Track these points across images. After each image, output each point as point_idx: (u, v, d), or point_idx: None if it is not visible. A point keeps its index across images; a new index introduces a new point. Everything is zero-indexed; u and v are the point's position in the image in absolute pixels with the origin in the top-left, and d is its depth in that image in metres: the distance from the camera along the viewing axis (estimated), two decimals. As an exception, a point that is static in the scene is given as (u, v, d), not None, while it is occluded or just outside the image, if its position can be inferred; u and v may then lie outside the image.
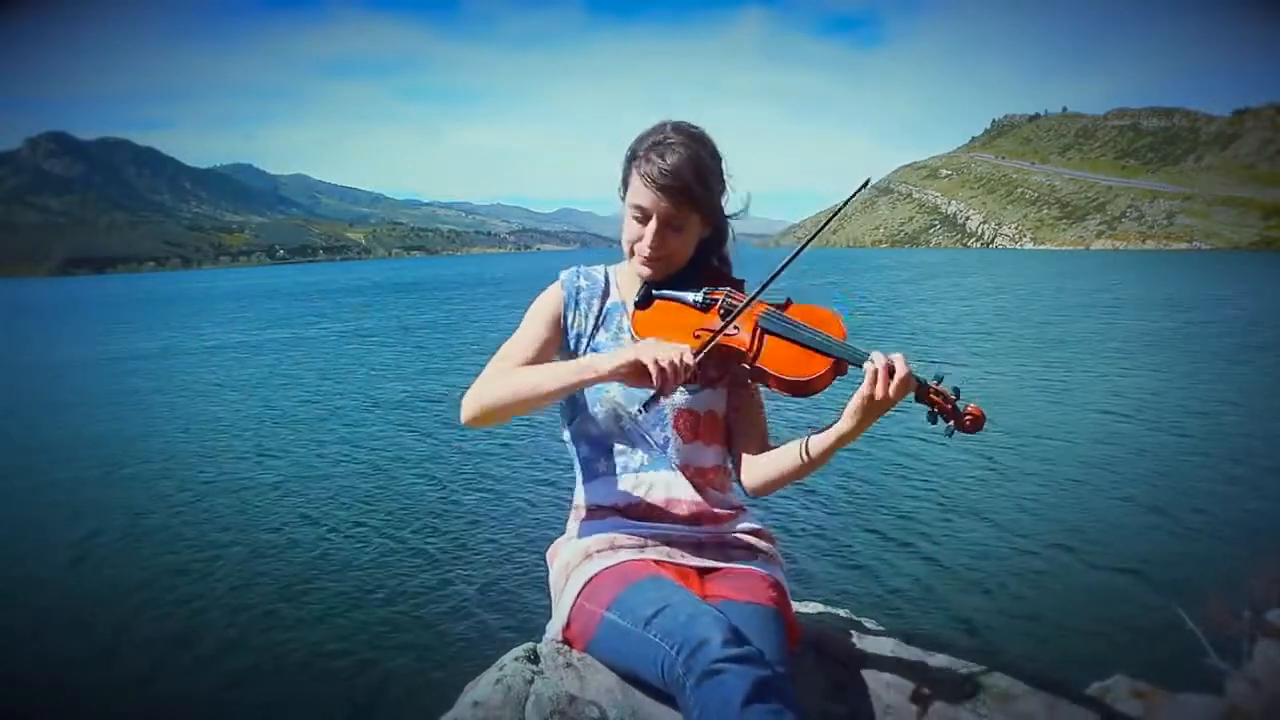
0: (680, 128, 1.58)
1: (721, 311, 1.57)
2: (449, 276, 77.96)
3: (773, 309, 1.57)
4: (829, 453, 1.48)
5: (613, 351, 1.49)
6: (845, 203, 1.46)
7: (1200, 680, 2.08)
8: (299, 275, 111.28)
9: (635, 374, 1.41)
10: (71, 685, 4.85)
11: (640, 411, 1.53)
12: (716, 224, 1.65)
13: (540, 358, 1.61)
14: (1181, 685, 1.94)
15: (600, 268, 1.75)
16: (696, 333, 1.55)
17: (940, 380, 1.42)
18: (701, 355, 1.46)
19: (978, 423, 1.39)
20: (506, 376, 1.53)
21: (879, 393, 1.37)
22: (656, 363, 1.38)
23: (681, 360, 1.39)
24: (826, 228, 1.85)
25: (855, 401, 1.41)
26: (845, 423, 1.43)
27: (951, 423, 1.40)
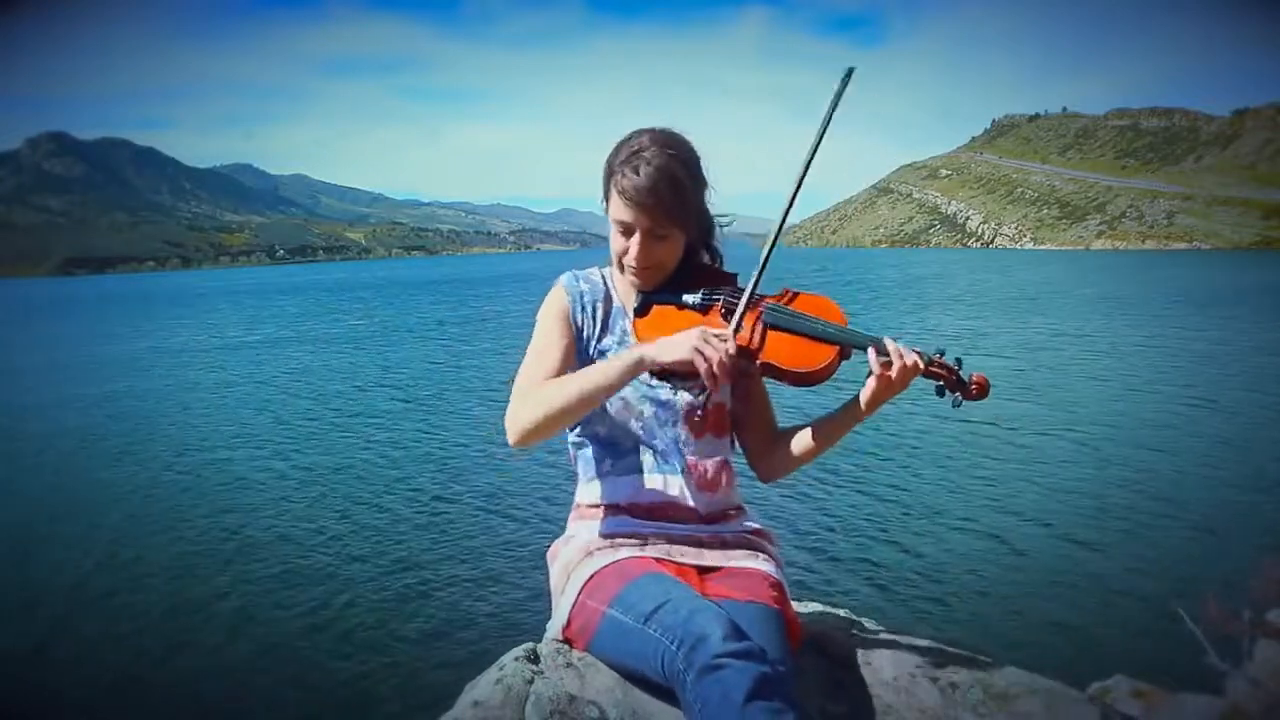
0: (655, 137, 1.54)
1: (723, 312, 1.56)
2: (455, 275, 77.82)
3: (774, 302, 1.56)
4: (839, 436, 1.57)
5: (664, 342, 1.45)
6: (834, 104, 1.41)
7: (1200, 680, 2.09)
8: (307, 274, 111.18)
9: (687, 368, 1.42)
10: (66, 684, 4.85)
11: (693, 406, 1.59)
12: (701, 225, 1.64)
13: (566, 362, 1.58)
14: (1181, 685, 1.95)
15: (595, 270, 1.74)
16: None
17: (942, 354, 1.49)
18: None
19: (983, 390, 1.47)
20: (548, 388, 1.48)
21: (895, 376, 1.43)
22: (706, 360, 1.38)
23: (727, 355, 1.41)
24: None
25: (870, 388, 1.46)
26: (861, 409, 1.49)
27: (959, 394, 1.47)
